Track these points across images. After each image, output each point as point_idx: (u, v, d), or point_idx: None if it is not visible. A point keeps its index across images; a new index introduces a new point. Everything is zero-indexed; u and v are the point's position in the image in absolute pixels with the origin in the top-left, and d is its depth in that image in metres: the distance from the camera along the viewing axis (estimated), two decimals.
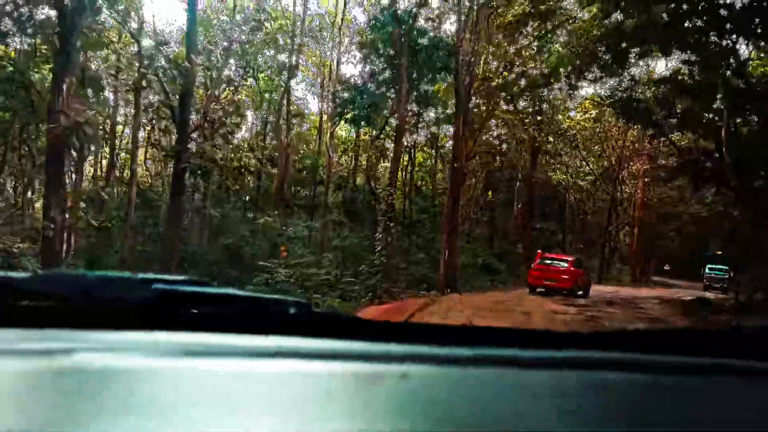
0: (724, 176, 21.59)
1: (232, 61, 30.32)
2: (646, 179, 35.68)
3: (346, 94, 20.77)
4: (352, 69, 75.06)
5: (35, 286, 1.04)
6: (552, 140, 29.72)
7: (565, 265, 20.79)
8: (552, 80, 26.29)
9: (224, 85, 25.99)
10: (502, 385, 0.89)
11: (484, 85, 24.03)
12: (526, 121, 28.89)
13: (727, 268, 37.28)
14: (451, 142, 37.33)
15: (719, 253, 40.08)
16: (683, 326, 10.80)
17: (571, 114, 35.22)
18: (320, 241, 29.07)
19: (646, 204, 37.58)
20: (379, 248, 19.80)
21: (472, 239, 34.42)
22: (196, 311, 1.01)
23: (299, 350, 0.89)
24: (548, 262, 21.08)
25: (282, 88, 29.78)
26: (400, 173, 37.72)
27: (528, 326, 10.30)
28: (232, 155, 20.32)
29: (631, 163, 34.59)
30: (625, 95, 24.08)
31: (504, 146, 36.86)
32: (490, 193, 43.40)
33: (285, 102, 27.29)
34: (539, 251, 23.31)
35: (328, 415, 0.74)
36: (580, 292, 20.87)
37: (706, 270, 39.31)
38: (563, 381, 0.92)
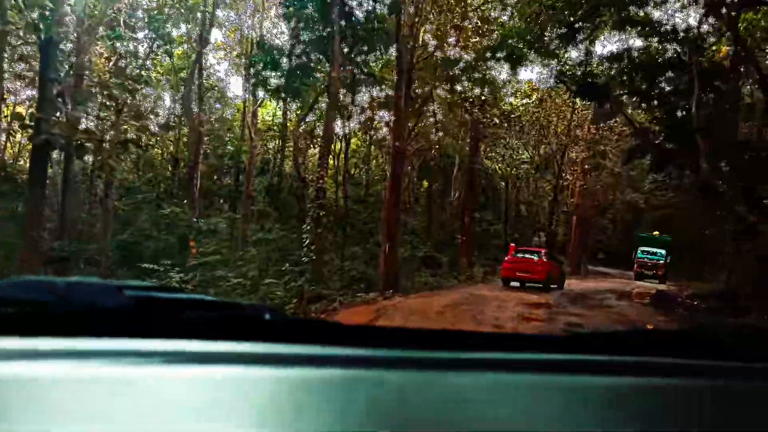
0: (691, 156, 18.59)
1: (141, 35, 25.15)
2: (586, 166, 32.80)
3: (267, 57, 16.07)
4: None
5: (6, 292, 0.95)
6: (498, 122, 26.09)
7: (538, 257, 19.93)
8: (497, 54, 22.70)
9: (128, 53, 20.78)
10: (480, 389, 0.85)
11: (426, 58, 20.12)
12: (469, 101, 25.15)
13: (664, 252, 32.57)
14: (386, 129, 33.74)
15: (656, 233, 34.78)
16: (657, 328, 10.20)
17: (510, 100, 32.03)
18: (241, 235, 24.45)
19: (584, 192, 34.82)
20: (306, 242, 15.46)
21: (409, 231, 30.54)
22: (168, 318, 0.95)
23: (272, 356, 0.86)
24: (521, 255, 20.32)
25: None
26: (332, 160, 33.70)
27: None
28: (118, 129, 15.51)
29: (571, 151, 31.52)
30: (579, 71, 20.77)
31: (441, 134, 33.30)
32: (425, 182, 39.91)
33: (197, 74, 22.28)
34: (512, 244, 22.62)
35: (299, 422, 0.70)
36: (554, 285, 19.69)
37: (638, 254, 33.41)
38: (542, 384, 0.88)
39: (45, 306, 0.93)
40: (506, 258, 20.68)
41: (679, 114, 19.49)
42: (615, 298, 18.74)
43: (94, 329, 0.87)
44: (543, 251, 21.23)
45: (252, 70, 17.45)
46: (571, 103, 29.04)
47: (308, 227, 15.96)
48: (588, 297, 18.02)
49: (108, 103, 16.02)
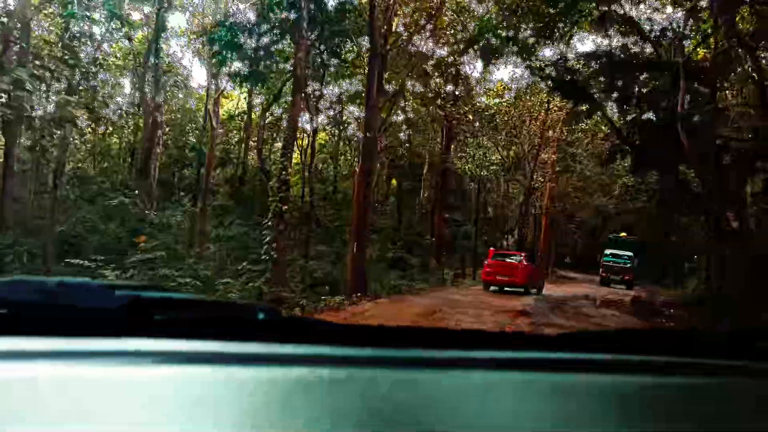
0: (672, 157, 17.56)
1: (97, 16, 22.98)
2: (557, 168, 31.79)
3: (227, 35, 14.26)
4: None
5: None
6: (471, 118, 24.74)
7: (518, 260, 19.32)
8: (474, 47, 21.39)
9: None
10: (473, 387, 0.84)
11: (399, 45, 18.63)
12: (441, 97, 23.78)
13: (631, 254, 30.67)
14: (356, 125, 32.17)
15: (623, 235, 33.42)
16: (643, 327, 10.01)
17: (482, 99, 30.81)
18: (199, 230, 22.52)
19: (554, 195, 33.84)
20: (267, 239, 13.78)
21: (378, 230, 28.94)
22: (160, 318, 0.93)
23: (264, 355, 0.85)
24: (502, 259, 19.63)
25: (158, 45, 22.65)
26: (299, 156, 31.99)
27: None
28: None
29: (543, 152, 30.42)
30: (559, 68, 19.57)
31: (410, 132, 31.90)
32: (394, 180, 38.46)
33: (153, 56, 20.29)
34: (491, 248, 21.82)
35: (290, 421, 0.69)
36: (534, 289, 19.15)
37: (605, 257, 31.42)
38: (532, 383, 0.88)
39: (35, 306, 0.91)
40: (486, 262, 20.03)
41: (658, 114, 18.47)
42: (592, 305, 17.59)
43: (84, 329, 0.85)
44: (523, 255, 20.48)
45: (211, 50, 15.57)
46: (545, 103, 27.93)
47: (269, 223, 14.26)
48: (565, 304, 16.79)
49: (53, 81, 14.02)
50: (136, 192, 18.85)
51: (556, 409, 0.82)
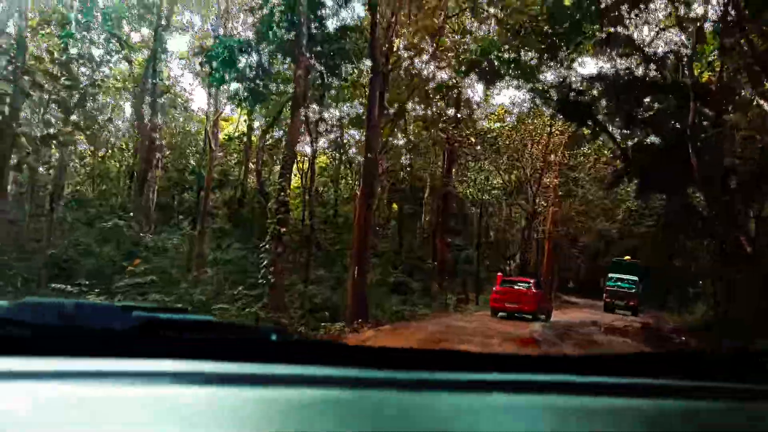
0: (680, 179, 17.03)
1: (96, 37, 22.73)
2: (559, 193, 31.25)
3: (224, 52, 13.82)
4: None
5: (12, 314, 0.96)
6: (473, 140, 24.27)
7: (528, 286, 18.71)
8: (475, 69, 21.00)
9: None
10: (487, 410, 0.83)
11: (401, 66, 18.27)
12: (443, 120, 23.36)
13: (636, 279, 29.20)
14: (355, 149, 31.74)
15: (627, 258, 31.72)
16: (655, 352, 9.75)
17: (483, 123, 30.46)
18: (196, 253, 21.88)
19: (557, 219, 33.24)
20: (264, 263, 13.17)
21: (379, 254, 28.27)
22: (174, 339, 0.95)
23: (277, 377, 0.85)
24: (511, 285, 19.07)
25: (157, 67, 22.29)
26: (299, 179, 31.51)
27: None
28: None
29: (545, 176, 29.91)
30: (564, 89, 19.17)
31: (411, 156, 31.46)
32: (395, 205, 37.90)
33: (151, 75, 19.89)
34: (499, 273, 21.30)
35: None
36: (542, 316, 18.59)
37: (609, 281, 29.85)
38: (543, 405, 0.87)
39: (53, 327, 0.92)
40: (495, 288, 19.41)
41: (664, 136, 17.98)
42: (600, 331, 16.87)
43: (100, 350, 0.86)
44: (532, 281, 19.89)
45: (209, 69, 15.14)
46: (547, 126, 27.52)
47: (267, 246, 13.65)
48: (573, 331, 16.08)
49: (47, 101, 13.53)
50: (132, 214, 18.20)
51: (570, 431, 0.81)
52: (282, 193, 13.46)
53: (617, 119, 18.51)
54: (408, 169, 33.57)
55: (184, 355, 0.86)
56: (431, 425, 0.77)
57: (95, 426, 0.68)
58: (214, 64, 14.69)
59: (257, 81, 15.44)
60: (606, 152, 29.61)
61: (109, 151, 32.20)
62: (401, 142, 30.34)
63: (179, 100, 31.94)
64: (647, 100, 18.71)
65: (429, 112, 23.28)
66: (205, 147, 25.08)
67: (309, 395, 0.80)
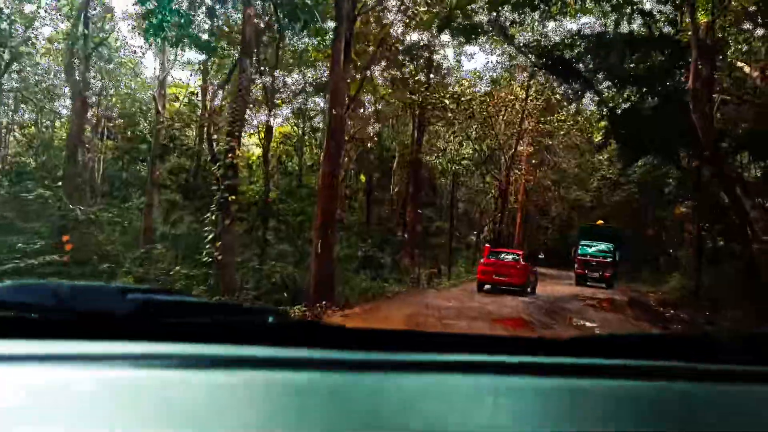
0: (674, 144, 15.20)
1: None
2: (533, 161, 29.38)
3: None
4: None
5: (10, 296, 0.92)
6: (447, 103, 21.98)
7: (517, 259, 17.62)
8: (451, 25, 18.68)
9: None
10: (480, 391, 0.82)
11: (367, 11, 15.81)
12: (415, 79, 21.03)
13: (612, 246, 24.94)
14: (320, 119, 29.21)
15: (600, 222, 27.54)
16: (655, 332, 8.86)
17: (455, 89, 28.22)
18: (144, 228, 19.28)
19: (529, 189, 31.46)
20: (210, 237, 10.78)
21: (346, 227, 25.96)
22: (174, 321, 0.92)
23: (271, 359, 0.82)
24: (499, 256, 17.86)
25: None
26: (261, 149, 28.87)
27: None
28: None
29: (519, 144, 27.91)
30: (546, 43, 17.03)
31: (379, 125, 29.05)
32: (362, 176, 35.59)
33: (83, 24, 16.90)
34: (487, 245, 20.03)
35: (298, 425, 0.68)
36: (529, 289, 17.39)
37: (580, 249, 25.59)
38: (537, 387, 0.85)
39: (50, 309, 0.89)
40: (482, 260, 18.21)
41: (657, 95, 16.07)
42: (587, 307, 15.09)
43: (98, 332, 0.84)
44: (521, 253, 18.63)
45: (147, 19, 12.43)
46: (523, 90, 25.43)
47: (213, 217, 11.25)
48: (561, 308, 14.22)
49: None
50: (59, 184, 15.46)
51: (563, 413, 0.79)
52: (229, 155, 11.01)
53: (604, 75, 16.50)
54: (376, 138, 31.27)
55: (180, 338, 0.84)
56: (427, 406, 0.75)
57: (88, 410, 0.66)
58: (149, 4, 11.99)
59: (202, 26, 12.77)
60: (580, 119, 27.81)
61: (53, 119, 28.97)
62: (369, 111, 28.07)
63: (130, 64, 28.74)
64: (636, 55, 16.73)
65: (398, 73, 20.89)
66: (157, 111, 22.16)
67: (303, 378, 0.77)
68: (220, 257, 10.88)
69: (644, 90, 15.98)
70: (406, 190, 28.18)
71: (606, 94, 17.15)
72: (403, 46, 22.34)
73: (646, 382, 0.90)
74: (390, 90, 22.22)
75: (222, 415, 0.68)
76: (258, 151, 32.49)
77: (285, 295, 12.54)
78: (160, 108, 19.64)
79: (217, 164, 11.42)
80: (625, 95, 16.65)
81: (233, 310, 1.12)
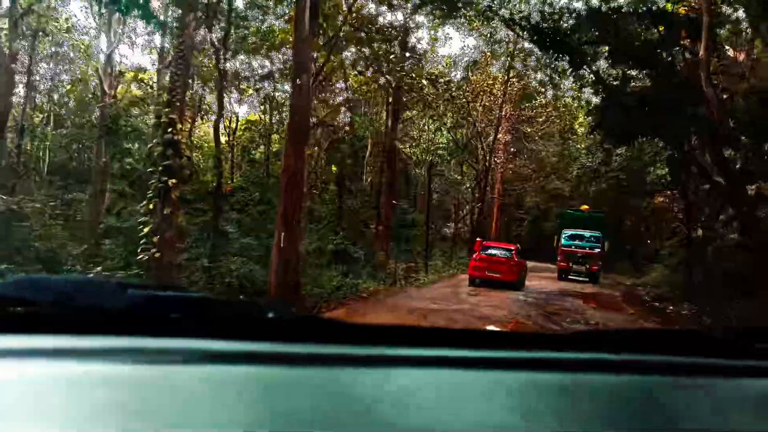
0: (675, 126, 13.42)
1: None
2: (512, 149, 27.56)
3: None
4: None
5: (5, 291, 0.90)
6: (425, 83, 19.91)
7: (510, 254, 16.68)
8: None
9: None
10: (478, 387, 0.80)
11: None
12: (389, 58, 18.89)
13: (600, 235, 21.98)
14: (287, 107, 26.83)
15: (585, 208, 24.52)
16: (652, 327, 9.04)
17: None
18: (91, 221, 16.77)
19: (506, 179, 29.67)
20: (145, 230, 8.50)
21: (316, 219, 23.71)
22: (172, 316, 0.89)
23: (272, 354, 0.81)
24: (492, 251, 16.91)
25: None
26: (225, 137, 26.52)
27: None
28: None
29: (500, 130, 26.01)
30: (537, 14, 15.05)
31: (350, 113, 26.85)
32: (334, 167, 33.36)
33: None
34: (479, 239, 18.90)
35: (295, 420, 0.66)
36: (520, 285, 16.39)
37: (563, 239, 22.43)
38: (534, 383, 0.84)
39: (49, 304, 0.87)
40: (474, 255, 17.31)
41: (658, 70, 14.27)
42: (586, 305, 13.27)
43: (96, 327, 0.81)
44: (514, 248, 17.47)
45: None
46: (504, 73, 23.52)
47: (150, 206, 8.95)
48: (558, 306, 12.33)
49: None
50: None
51: (561, 409, 0.78)
52: (169, 129, 8.70)
53: (599, 50, 14.63)
54: (348, 127, 29.08)
55: (180, 334, 0.81)
56: (426, 402, 0.73)
57: (88, 404, 0.64)
58: None
59: None
60: (560, 103, 26.10)
61: None
62: (340, 99, 25.88)
63: (81, 46, 25.86)
64: (633, 28, 14.89)
65: (368, 51, 18.72)
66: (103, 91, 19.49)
67: (305, 374, 0.76)
68: (157, 254, 8.59)
69: (643, 65, 14.15)
70: (380, 180, 26.10)
71: (601, 70, 15.29)
72: (377, 25, 20.25)
73: (642, 376, 0.88)
74: (362, 71, 19.99)
75: (220, 411, 0.66)
76: (223, 138, 29.98)
77: (241, 297, 10.30)
78: (106, 88, 17.04)
79: (154, 141, 9.10)
80: (621, 71, 14.78)
81: (233, 306, 1.05)
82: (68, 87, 27.19)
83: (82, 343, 0.76)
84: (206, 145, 30.62)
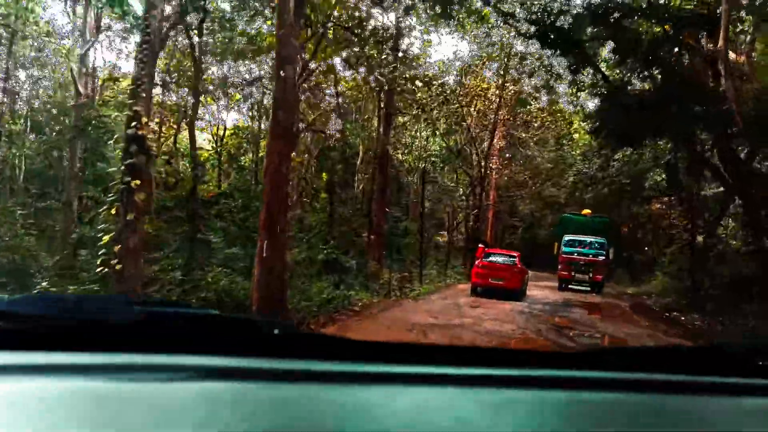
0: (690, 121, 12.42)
1: None
2: (507, 155, 26.54)
3: None
4: None
5: (13, 307, 0.89)
6: (419, 85, 18.88)
7: (513, 261, 15.84)
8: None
9: None
10: (484, 405, 0.78)
11: None
12: (381, 58, 17.83)
13: (603, 241, 20.23)
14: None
15: (587, 212, 22.66)
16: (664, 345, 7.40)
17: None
18: (63, 231, 15.49)
19: (501, 185, 28.62)
20: (105, 239, 7.27)
21: (306, 228, 22.46)
22: (177, 332, 0.88)
23: (275, 371, 0.79)
24: (495, 258, 16.10)
25: None
26: (214, 143, 25.49)
27: None
28: None
29: (494, 136, 24.97)
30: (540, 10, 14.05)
31: (340, 120, 25.78)
32: (325, 174, 32.23)
33: None
34: (480, 246, 18.52)
35: None
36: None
37: (564, 245, 20.62)
38: (542, 401, 0.81)
39: (53, 320, 0.85)
40: (477, 262, 16.57)
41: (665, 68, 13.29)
42: (595, 317, 12.15)
43: (104, 343, 0.80)
44: (517, 255, 16.67)
45: None
46: (500, 76, 22.52)
47: (112, 211, 7.74)
48: (568, 319, 11.19)
49: None
50: None
51: (568, 427, 0.76)
52: (133, 123, 7.52)
53: (607, 46, 13.65)
54: (338, 134, 28.00)
55: (185, 350, 0.80)
56: (431, 420, 0.72)
57: (94, 419, 0.63)
58: None
59: None
60: (555, 109, 25.17)
61: None
62: (331, 104, 24.82)
63: (62, 50, 24.64)
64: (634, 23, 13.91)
65: (358, 50, 17.64)
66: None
67: (307, 391, 0.74)
68: (118, 266, 7.36)
69: (650, 62, 13.16)
70: (372, 187, 24.97)
71: (605, 67, 14.29)
72: (367, 24, 19.22)
73: (649, 395, 0.85)
74: (352, 64, 18.86)
75: (222, 427, 0.64)
76: (209, 146, 28.83)
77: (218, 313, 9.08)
78: (81, 89, 15.82)
79: (115, 137, 7.91)
80: (628, 68, 13.79)
81: (239, 323, 0.97)
82: (51, 94, 25.94)
83: (86, 359, 0.74)
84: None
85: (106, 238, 7.59)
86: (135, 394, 0.69)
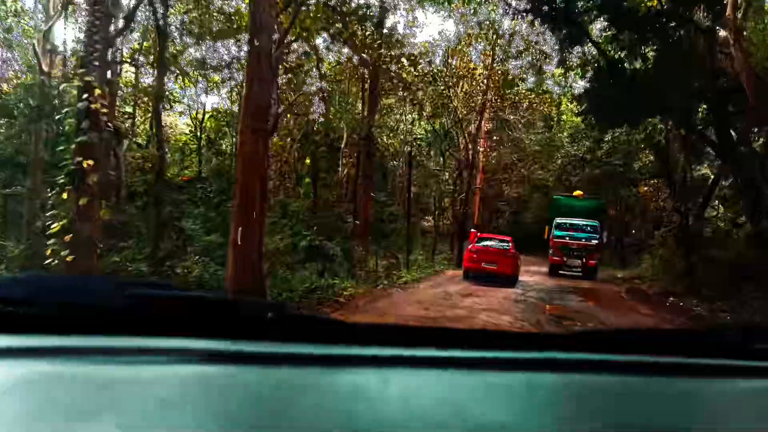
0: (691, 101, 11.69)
1: None
2: (494, 137, 25.74)
3: None
4: None
5: (3, 290, 0.86)
6: (405, 63, 17.92)
7: (507, 246, 15.46)
8: None
9: None
10: (483, 388, 0.77)
11: None
12: (366, 36, 16.82)
13: (597, 224, 19.38)
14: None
15: (579, 193, 21.48)
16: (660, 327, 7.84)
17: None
18: (28, 218, 14.41)
19: (488, 169, 27.86)
20: (55, 227, 6.28)
21: (289, 214, 21.48)
22: (171, 315, 0.86)
23: (269, 355, 0.78)
24: (488, 243, 15.72)
25: None
26: (194, 128, 24.35)
27: None
28: None
29: (483, 118, 24.11)
30: None
31: (319, 105, 24.74)
32: (308, 160, 31.19)
33: None
34: (473, 230, 17.96)
35: (293, 422, 0.64)
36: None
37: (556, 229, 19.77)
38: (536, 383, 0.81)
39: (44, 303, 0.83)
40: (470, 247, 15.99)
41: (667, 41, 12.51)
42: (591, 304, 11.46)
43: (96, 327, 0.78)
44: (511, 239, 16.25)
45: None
46: (488, 56, 21.62)
47: (63, 195, 6.78)
48: (566, 309, 10.48)
49: None
50: None
51: (562, 410, 0.75)
52: (84, 95, 6.52)
53: (604, 18, 12.81)
54: (322, 117, 26.93)
55: (179, 333, 0.78)
56: (430, 403, 0.71)
57: (86, 403, 0.63)
58: None
59: None
60: (542, 90, 24.35)
61: None
62: (313, 88, 23.73)
63: (32, 31, 23.23)
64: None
65: (341, 27, 16.63)
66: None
67: (302, 374, 0.73)
68: (69, 257, 6.42)
69: (647, 34, 12.37)
70: (357, 171, 24.03)
71: (600, 40, 13.47)
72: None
73: (643, 377, 0.85)
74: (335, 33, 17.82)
75: (217, 410, 0.64)
76: (188, 130, 27.63)
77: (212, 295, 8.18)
78: (44, 67, 14.63)
79: (64, 111, 6.92)
80: (623, 42, 12.98)
81: (231, 305, 0.95)
82: (21, 77, 24.53)
83: (77, 343, 0.73)
84: (173, 138, 28.29)
85: (55, 226, 6.63)
86: (129, 378, 0.68)
